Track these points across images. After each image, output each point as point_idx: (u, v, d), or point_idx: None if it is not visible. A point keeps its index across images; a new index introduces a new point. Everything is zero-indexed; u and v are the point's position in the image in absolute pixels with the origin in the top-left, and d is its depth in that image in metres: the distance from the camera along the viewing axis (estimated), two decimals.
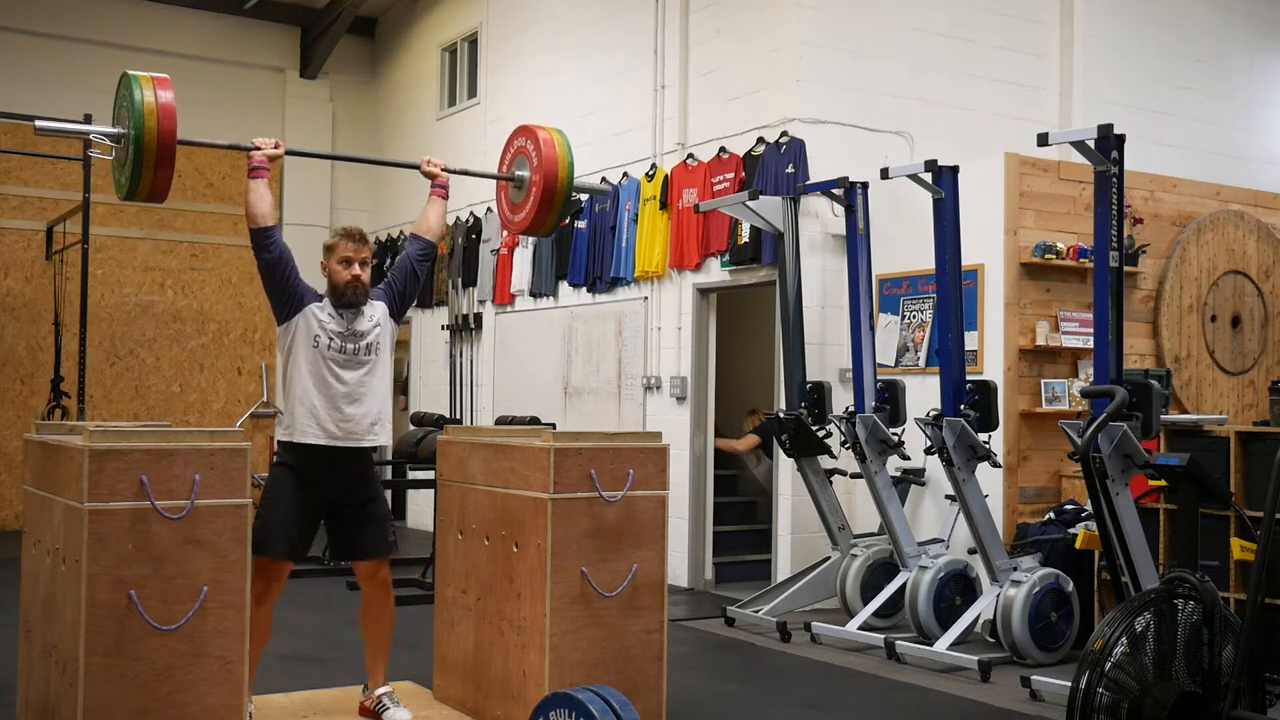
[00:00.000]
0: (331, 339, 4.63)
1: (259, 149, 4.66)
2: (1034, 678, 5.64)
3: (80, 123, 9.62)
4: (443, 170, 5.09)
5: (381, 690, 4.87)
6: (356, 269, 4.68)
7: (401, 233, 12.87)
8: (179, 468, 3.86)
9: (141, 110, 4.23)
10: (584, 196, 9.70)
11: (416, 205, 13.90)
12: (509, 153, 5.38)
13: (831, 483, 7.45)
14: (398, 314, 4.88)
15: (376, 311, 4.78)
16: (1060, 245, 7.29)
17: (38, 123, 4.49)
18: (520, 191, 5.25)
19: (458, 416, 11.27)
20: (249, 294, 12.89)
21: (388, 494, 10.41)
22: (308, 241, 13.13)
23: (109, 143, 4.44)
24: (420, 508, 11.55)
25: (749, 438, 9.59)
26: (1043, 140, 5.49)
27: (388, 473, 10.19)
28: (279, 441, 4.72)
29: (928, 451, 6.56)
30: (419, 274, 4.95)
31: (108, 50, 12.36)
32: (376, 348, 4.73)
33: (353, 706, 5.01)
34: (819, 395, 7.31)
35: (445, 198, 5.09)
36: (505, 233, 10.88)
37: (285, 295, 4.63)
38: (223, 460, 3.94)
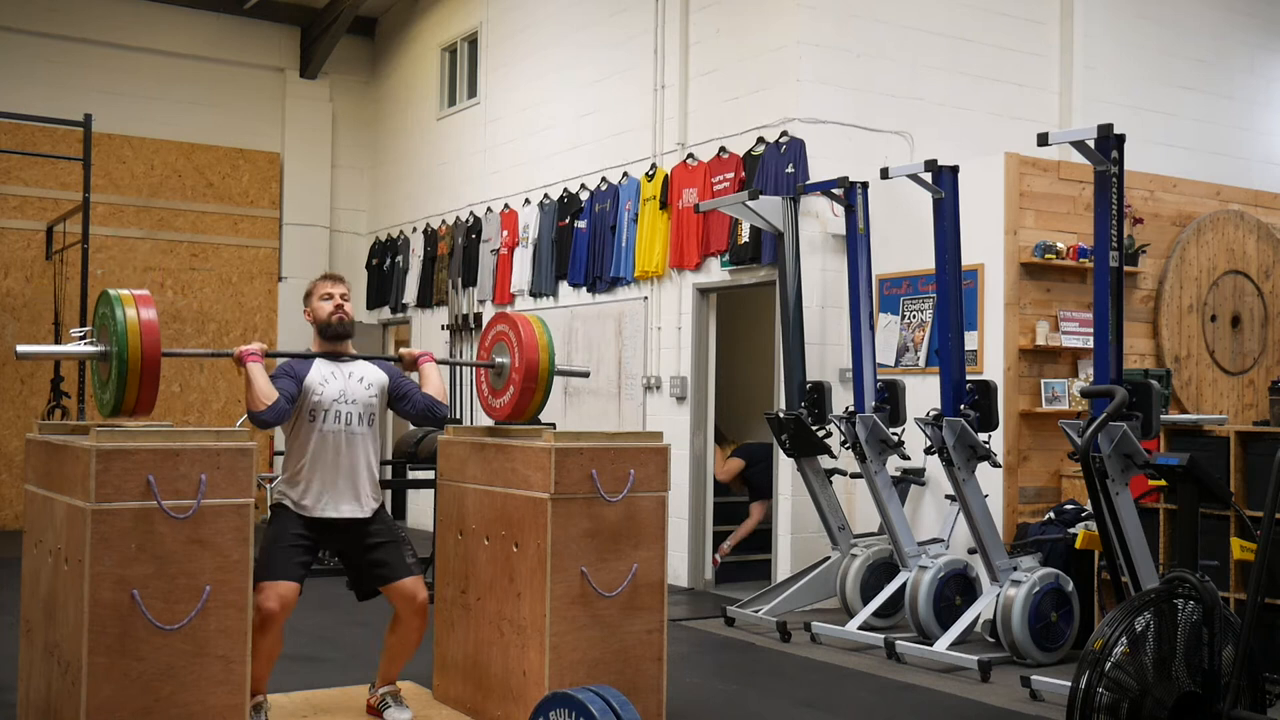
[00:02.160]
0: (328, 408, 4.61)
1: (240, 356, 4.58)
2: (1034, 677, 5.64)
3: (82, 128, 9.64)
4: (420, 355, 4.91)
5: (386, 689, 4.89)
6: (339, 300, 4.71)
7: (402, 232, 12.88)
8: (185, 467, 3.87)
9: (124, 329, 4.15)
10: (582, 222, 9.71)
11: (416, 205, 13.95)
12: (488, 338, 5.27)
13: (831, 482, 7.45)
14: (394, 400, 4.81)
15: (375, 380, 4.76)
16: (1060, 245, 7.30)
17: (19, 348, 4.35)
18: (500, 379, 5.14)
19: (458, 416, 11.27)
20: (249, 294, 12.91)
21: (387, 494, 10.43)
22: (308, 241, 13.20)
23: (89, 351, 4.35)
24: (420, 508, 11.55)
25: (731, 463, 9.21)
26: (1043, 140, 5.49)
27: (388, 472, 10.19)
28: (277, 502, 4.71)
29: (928, 451, 6.57)
30: (416, 413, 4.83)
31: (107, 50, 12.39)
32: (371, 417, 4.73)
33: (353, 705, 5.02)
34: (819, 395, 7.32)
35: (434, 360, 4.94)
36: (505, 233, 10.89)
37: (296, 404, 4.62)
38: (229, 460, 3.95)
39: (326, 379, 4.67)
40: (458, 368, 11.01)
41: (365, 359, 4.83)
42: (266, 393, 4.51)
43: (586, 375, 6.16)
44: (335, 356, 4.75)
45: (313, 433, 4.63)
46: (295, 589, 4.52)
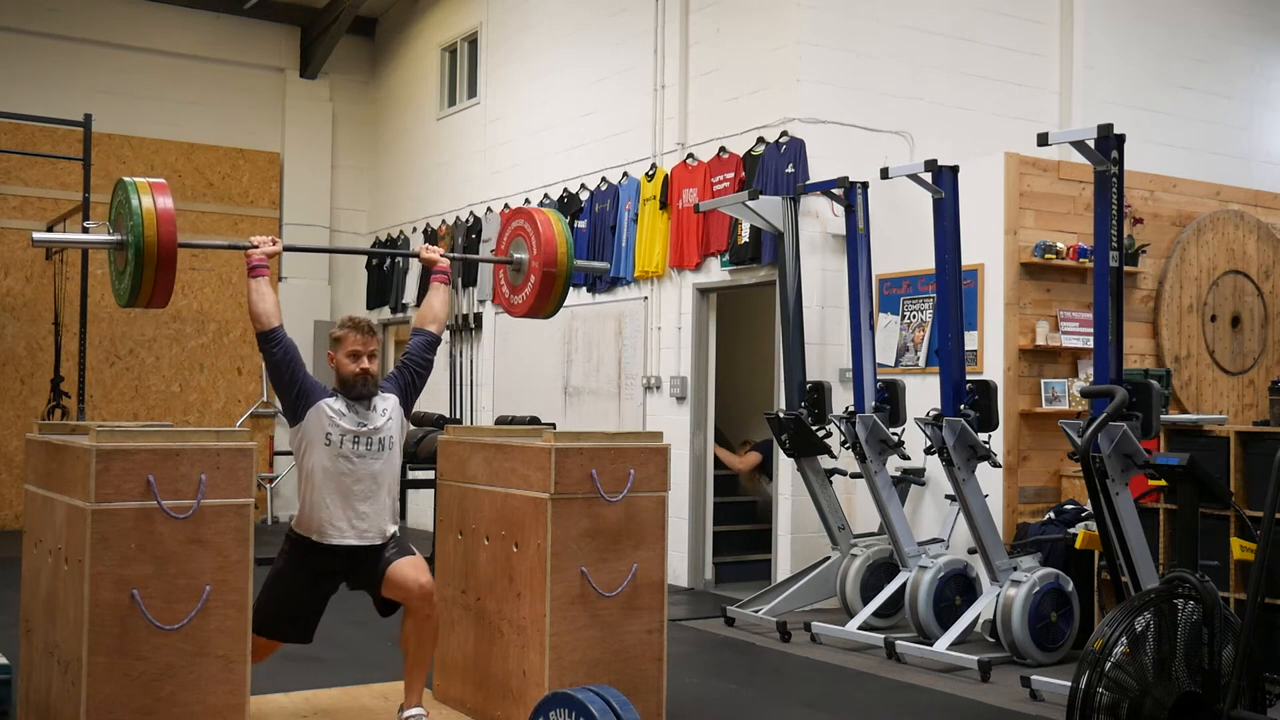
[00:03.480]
0: (344, 435, 4.53)
1: (256, 247, 4.61)
2: (1034, 677, 5.64)
3: (82, 127, 9.65)
4: (441, 256, 4.96)
5: (411, 712, 4.67)
6: (365, 362, 4.58)
7: (402, 232, 12.88)
8: (185, 468, 3.87)
9: (140, 216, 4.15)
10: (582, 223, 9.72)
11: (416, 205, 13.98)
12: (505, 235, 5.26)
13: (831, 482, 7.45)
14: (408, 405, 4.78)
15: (388, 404, 4.68)
16: (1060, 245, 7.30)
17: (35, 235, 4.40)
18: (520, 274, 5.13)
19: (458, 416, 11.28)
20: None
21: None
22: (308, 241, 13.19)
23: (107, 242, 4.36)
24: (420, 508, 11.55)
25: (750, 455, 9.44)
26: (1043, 140, 5.50)
27: None
28: (292, 532, 4.64)
29: (928, 451, 6.57)
30: (426, 367, 4.83)
31: (108, 50, 12.39)
32: (390, 442, 4.63)
33: (353, 705, 5.02)
34: (819, 395, 7.32)
35: (447, 283, 4.95)
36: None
37: (294, 393, 4.54)
38: (229, 460, 3.95)
39: (343, 411, 4.57)
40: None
41: (380, 389, 4.70)
42: (273, 312, 4.51)
43: (606, 270, 6.15)
44: (356, 398, 4.62)
45: (329, 458, 4.52)
46: (279, 645, 4.58)
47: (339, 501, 4.51)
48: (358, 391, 4.57)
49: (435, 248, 5.01)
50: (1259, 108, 10.69)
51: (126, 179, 4.28)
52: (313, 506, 4.54)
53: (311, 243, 13.09)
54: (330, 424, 4.52)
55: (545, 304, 5.08)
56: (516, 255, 5.15)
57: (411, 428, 8.79)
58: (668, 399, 8.99)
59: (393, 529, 4.64)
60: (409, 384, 4.77)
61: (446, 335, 11.65)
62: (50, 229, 11.44)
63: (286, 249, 4.68)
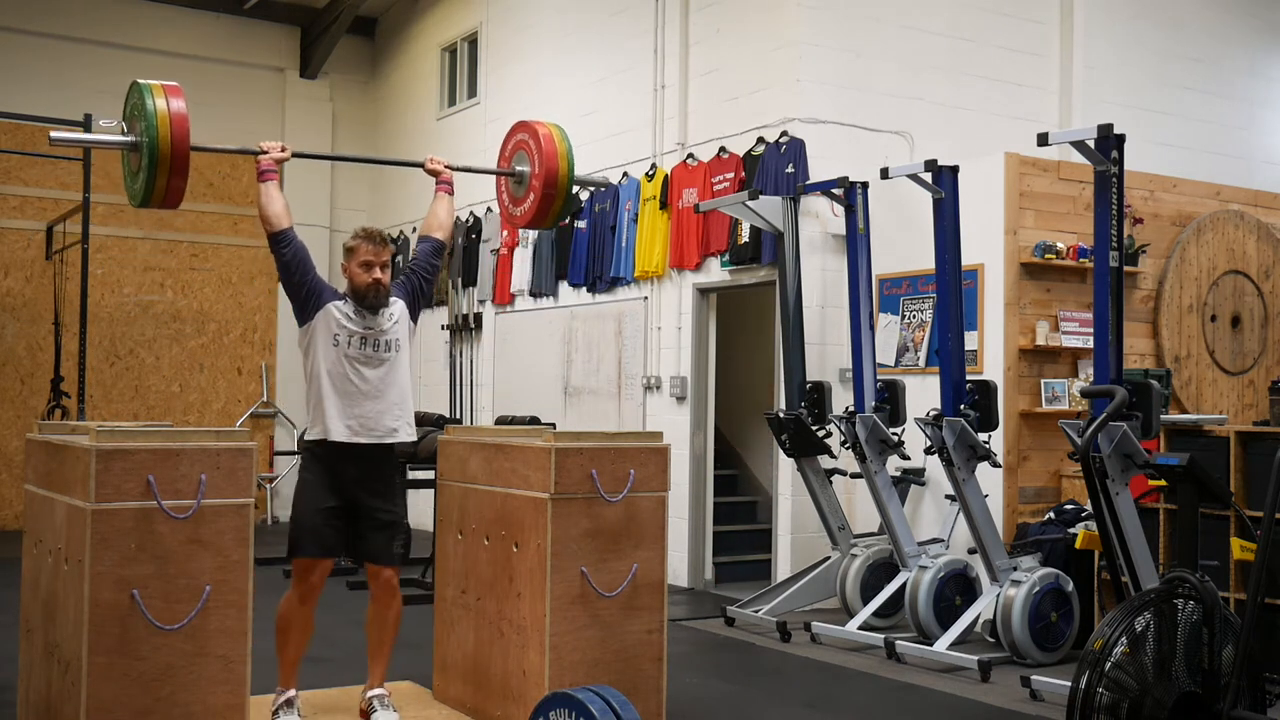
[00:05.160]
0: (351, 337, 4.66)
1: (265, 153, 4.73)
2: (1034, 677, 5.64)
3: (82, 126, 9.66)
4: (445, 167, 5.12)
5: (374, 692, 4.84)
6: (377, 272, 4.70)
7: (402, 232, 12.87)
8: (185, 467, 3.87)
9: (155, 118, 4.26)
10: (584, 195, 9.72)
11: (416, 204, 13.96)
12: (508, 147, 5.40)
13: (831, 482, 7.45)
14: (415, 312, 4.91)
15: (396, 309, 4.80)
16: (1060, 245, 7.29)
17: (52, 133, 4.54)
18: (521, 186, 5.27)
19: (458, 416, 11.27)
20: (249, 294, 12.90)
21: None
22: (308, 241, 13.15)
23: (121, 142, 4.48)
24: (420, 508, 11.55)
25: None
26: (1043, 140, 5.50)
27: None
28: (304, 440, 4.77)
29: (928, 451, 6.57)
30: (433, 272, 5.00)
31: (108, 50, 12.38)
32: (397, 344, 4.75)
33: (352, 706, 5.01)
34: (819, 395, 7.32)
35: (451, 194, 5.12)
36: (505, 233, 10.89)
37: (304, 293, 4.67)
38: (229, 460, 3.95)
39: (351, 316, 4.68)
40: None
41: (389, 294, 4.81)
42: (283, 214, 4.63)
43: (607, 185, 6.19)
44: (366, 306, 4.73)
45: (338, 358, 4.63)
46: (324, 566, 4.66)
47: (345, 401, 4.63)
48: (370, 301, 4.70)
49: (439, 159, 5.12)
50: (1259, 108, 10.69)
51: (141, 81, 4.40)
52: (319, 407, 4.65)
53: (312, 243, 12.98)
54: (338, 325, 4.65)
55: (545, 216, 5.21)
56: (519, 168, 5.26)
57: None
58: (668, 399, 8.99)
59: (404, 433, 4.75)
60: (416, 289, 4.91)
61: (446, 335, 11.66)
62: (50, 228, 11.45)
63: (296, 155, 4.87)
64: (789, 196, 7.65)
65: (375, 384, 4.67)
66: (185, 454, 3.88)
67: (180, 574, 3.86)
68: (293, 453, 12.17)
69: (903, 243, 7.64)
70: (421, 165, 5.12)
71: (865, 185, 7.26)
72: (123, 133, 4.52)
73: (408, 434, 4.79)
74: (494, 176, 5.53)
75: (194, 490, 3.87)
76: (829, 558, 7.40)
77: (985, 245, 7.21)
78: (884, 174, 7.00)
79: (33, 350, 11.84)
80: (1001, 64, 9.05)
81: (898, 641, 6.42)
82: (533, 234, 10.52)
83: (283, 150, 4.79)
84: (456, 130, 12.23)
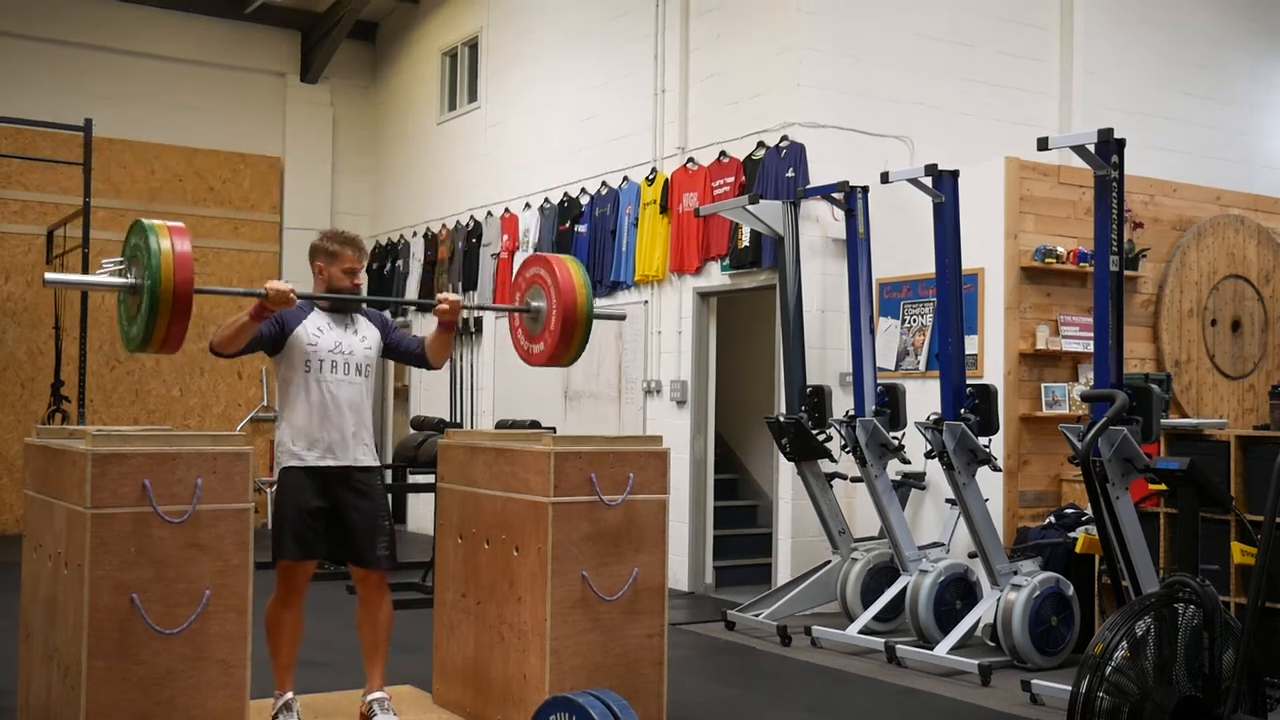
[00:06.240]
0: (322, 361, 4.65)
1: (268, 295, 4.42)
2: (1034, 682, 5.64)
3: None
4: (455, 305, 4.80)
5: (374, 696, 4.83)
6: (358, 278, 4.82)
7: (402, 237, 12.88)
8: (181, 472, 3.87)
9: (158, 261, 3.97)
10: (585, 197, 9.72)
11: (416, 209, 13.97)
12: (522, 281, 5.17)
13: (832, 487, 7.45)
14: (386, 346, 4.90)
15: (370, 334, 4.82)
16: (1060, 249, 7.29)
17: (47, 275, 4.29)
18: (537, 323, 5.03)
19: (458, 420, 11.26)
20: (249, 298, 12.89)
21: (387, 497, 10.38)
22: (309, 245, 13.19)
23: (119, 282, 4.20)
24: (421, 511, 11.55)
25: None
26: (1043, 145, 5.50)
27: (388, 477, 10.19)
28: (280, 466, 4.72)
29: (928, 455, 6.57)
30: (410, 358, 4.97)
31: (108, 55, 12.40)
32: (366, 370, 4.77)
33: (351, 710, 5.01)
34: (819, 399, 7.31)
35: (452, 329, 4.90)
36: (505, 237, 10.89)
37: (271, 345, 4.66)
38: (225, 464, 3.95)
39: (322, 329, 4.69)
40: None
41: (362, 312, 4.86)
42: (237, 343, 4.50)
43: (623, 319, 6.09)
44: (338, 310, 4.77)
45: (308, 383, 4.64)
46: (305, 569, 4.67)
47: (317, 424, 4.63)
48: (348, 305, 4.75)
49: (451, 297, 4.81)
50: (1259, 113, 10.70)
51: (144, 220, 4.14)
52: (290, 431, 4.66)
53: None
54: (310, 347, 4.64)
55: (565, 352, 4.94)
56: (534, 303, 5.05)
57: (412, 431, 8.83)
58: (668, 403, 8.99)
59: (367, 458, 4.74)
60: (395, 343, 4.90)
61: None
62: (51, 233, 11.44)
63: (300, 297, 4.55)
64: (789, 201, 7.65)
65: (347, 409, 4.68)
66: (181, 458, 3.88)
67: (180, 578, 3.86)
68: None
69: (903, 247, 7.64)
70: (432, 308, 4.87)
71: (865, 190, 7.27)
72: (123, 273, 4.19)
73: (372, 458, 4.78)
74: (504, 305, 5.29)
75: (190, 495, 3.87)
76: (829, 562, 7.40)
77: (985, 249, 7.21)
78: (884, 178, 7.00)
79: (33, 355, 11.85)
80: (1002, 69, 9.05)
81: (898, 645, 6.41)
82: (533, 238, 10.52)
83: (290, 295, 4.44)
84: (457, 135, 12.23)
